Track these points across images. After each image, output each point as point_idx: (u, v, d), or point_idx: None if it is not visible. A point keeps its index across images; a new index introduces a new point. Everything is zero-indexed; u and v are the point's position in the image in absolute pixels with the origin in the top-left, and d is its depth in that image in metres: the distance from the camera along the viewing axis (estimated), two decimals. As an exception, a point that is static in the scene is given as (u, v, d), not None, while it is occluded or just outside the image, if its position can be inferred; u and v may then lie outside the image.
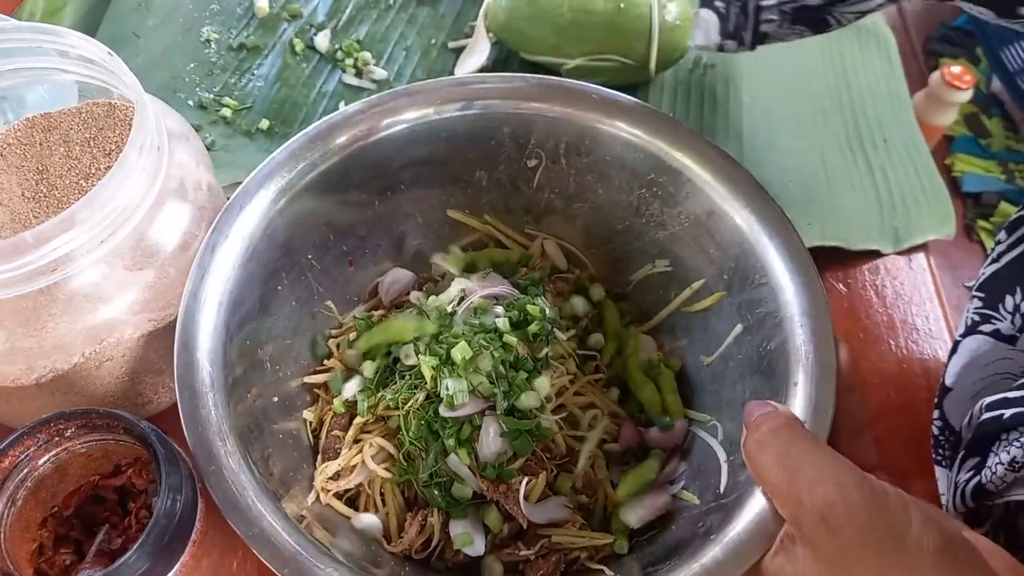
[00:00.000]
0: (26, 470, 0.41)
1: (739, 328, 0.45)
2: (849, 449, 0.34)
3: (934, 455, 0.48)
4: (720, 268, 0.46)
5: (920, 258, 0.59)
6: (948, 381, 0.48)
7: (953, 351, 0.48)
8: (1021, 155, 1.66)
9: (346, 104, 0.66)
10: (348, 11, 0.72)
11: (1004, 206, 1.59)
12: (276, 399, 0.45)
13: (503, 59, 0.68)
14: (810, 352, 0.40)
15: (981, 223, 1.59)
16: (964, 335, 0.48)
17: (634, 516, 0.43)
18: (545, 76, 0.50)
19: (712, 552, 0.36)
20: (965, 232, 1.59)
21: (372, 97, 0.48)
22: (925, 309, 0.57)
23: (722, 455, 0.43)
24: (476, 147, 0.50)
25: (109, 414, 0.41)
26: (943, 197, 0.63)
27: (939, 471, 0.47)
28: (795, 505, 0.32)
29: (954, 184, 1.62)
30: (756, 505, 0.36)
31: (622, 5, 0.61)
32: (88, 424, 0.41)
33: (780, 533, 0.34)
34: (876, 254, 0.59)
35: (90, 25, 0.68)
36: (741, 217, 0.44)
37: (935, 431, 0.48)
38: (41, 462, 0.42)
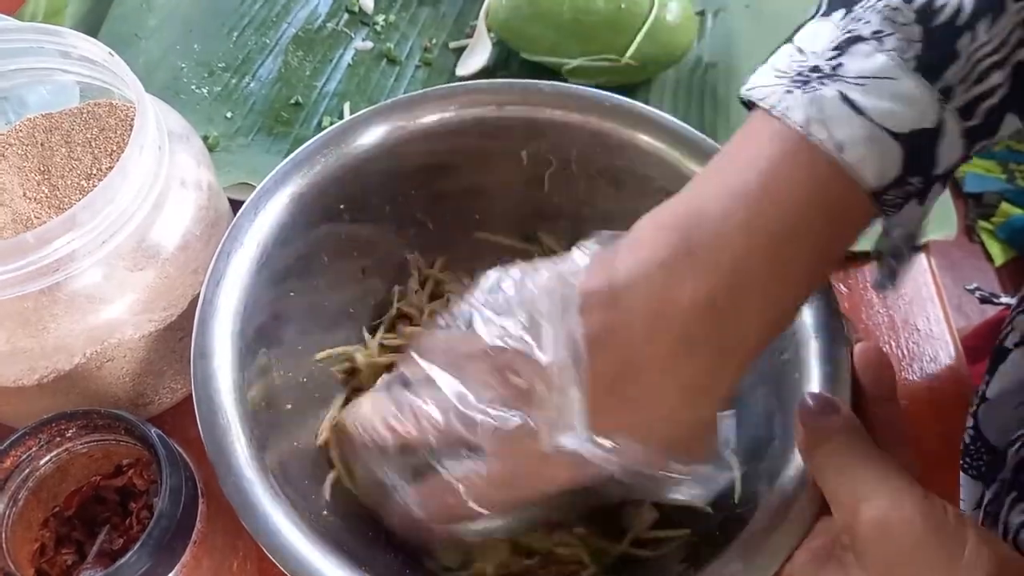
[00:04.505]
0: (27, 470, 0.42)
1: None
2: None
3: (962, 462, 0.47)
4: None
5: (921, 258, 0.59)
6: (990, 393, 0.46)
7: (999, 359, 0.45)
8: (1022, 155, 1.66)
9: (349, 104, 0.66)
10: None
11: (1005, 206, 1.59)
12: (289, 406, 0.45)
13: (504, 59, 0.68)
14: (824, 361, 0.39)
15: (982, 223, 1.59)
16: (1018, 344, 0.45)
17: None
18: (559, 83, 0.50)
19: (733, 563, 0.35)
20: (966, 232, 1.59)
21: (385, 102, 0.48)
22: (926, 310, 0.57)
23: (735, 465, 0.42)
24: (488, 152, 0.49)
25: (110, 414, 0.41)
26: (944, 197, 0.63)
27: (964, 478, 0.46)
28: (850, 514, 0.32)
29: (955, 184, 1.62)
30: (774, 514, 0.36)
31: (623, 5, 0.61)
32: (89, 424, 0.41)
33: (819, 539, 0.34)
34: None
35: (92, 26, 0.68)
36: None
37: (966, 439, 0.46)
38: (43, 462, 0.42)
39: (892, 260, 0.36)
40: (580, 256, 0.34)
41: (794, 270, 0.31)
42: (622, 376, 0.32)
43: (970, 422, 0.46)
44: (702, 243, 0.31)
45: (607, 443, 0.32)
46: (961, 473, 0.46)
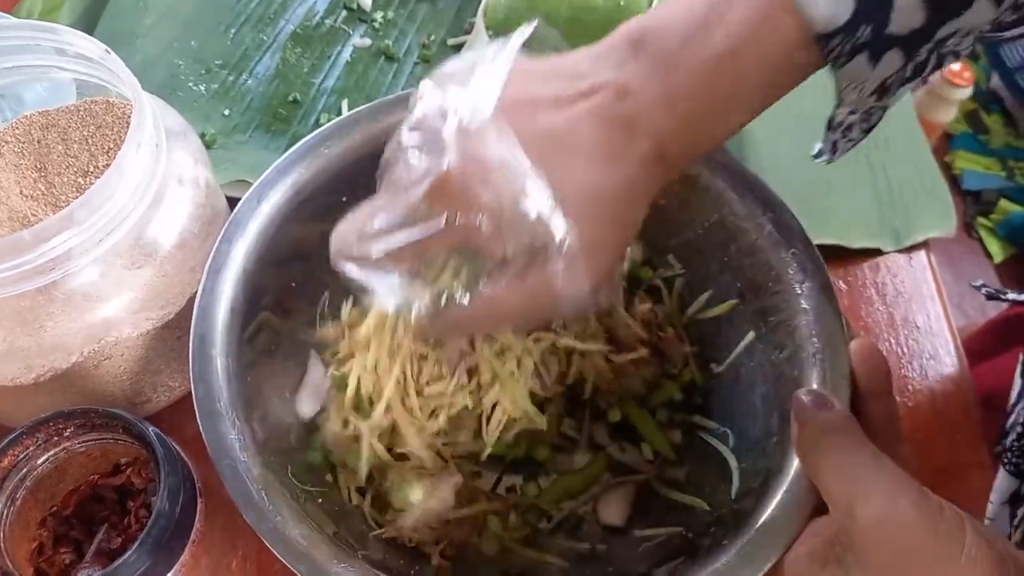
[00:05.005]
0: (25, 469, 0.42)
1: (751, 336, 0.44)
2: None
3: (1003, 458, 0.46)
4: (733, 276, 0.46)
5: (921, 256, 0.59)
6: None
7: None
8: (1021, 152, 1.66)
9: (347, 102, 0.66)
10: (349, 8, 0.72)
11: (1004, 203, 1.59)
12: (288, 394, 0.45)
13: (502, 56, 0.68)
14: (823, 360, 0.39)
15: (981, 220, 1.59)
16: None
17: (616, 515, 0.44)
18: None
19: (725, 558, 0.35)
20: (965, 229, 1.59)
21: (387, 97, 0.48)
22: (926, 307, 0.57)
23: (733, 462, 0.42)
24: None
25: (108, 413, 0.41)
26: (943, 194, 0.63)
27: (1001, 473, 0.46)
28: (847, 514, 0.32)
29: (954, 181, 1.62)
30: (771, 511, 0.36)
31: (622, 3, 0.61)
32: (87, 423, 0.41)
33: (820, 535, 0.34)
34: (876, 252, 0.59)
35: (88, 23, 0.68)
36: (755, 225, 0.44)
37: (1013, 435, 0.46)
38: (40, 461, 0.42)
39: (840, 135, 0.36)
40: (517, 38, 0.35)
41: (726, 93, 0.33)
42: (544, 137, 0.33)
43: (1021, 418, 0.46)
44: (649, 53, 0.33)
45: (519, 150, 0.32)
46: (1000, 467, 0.46)
